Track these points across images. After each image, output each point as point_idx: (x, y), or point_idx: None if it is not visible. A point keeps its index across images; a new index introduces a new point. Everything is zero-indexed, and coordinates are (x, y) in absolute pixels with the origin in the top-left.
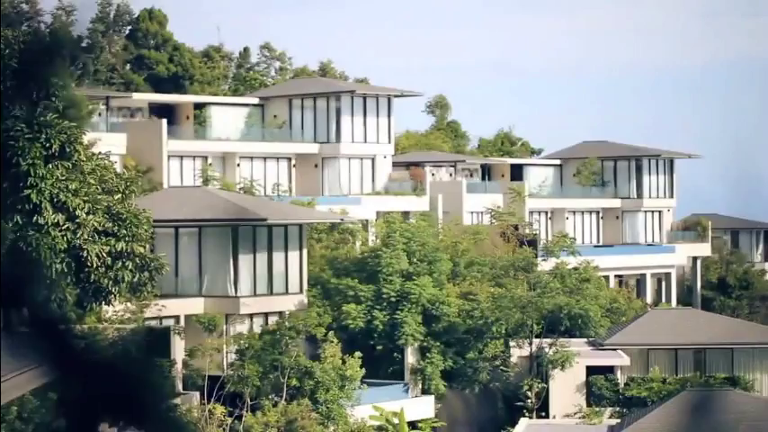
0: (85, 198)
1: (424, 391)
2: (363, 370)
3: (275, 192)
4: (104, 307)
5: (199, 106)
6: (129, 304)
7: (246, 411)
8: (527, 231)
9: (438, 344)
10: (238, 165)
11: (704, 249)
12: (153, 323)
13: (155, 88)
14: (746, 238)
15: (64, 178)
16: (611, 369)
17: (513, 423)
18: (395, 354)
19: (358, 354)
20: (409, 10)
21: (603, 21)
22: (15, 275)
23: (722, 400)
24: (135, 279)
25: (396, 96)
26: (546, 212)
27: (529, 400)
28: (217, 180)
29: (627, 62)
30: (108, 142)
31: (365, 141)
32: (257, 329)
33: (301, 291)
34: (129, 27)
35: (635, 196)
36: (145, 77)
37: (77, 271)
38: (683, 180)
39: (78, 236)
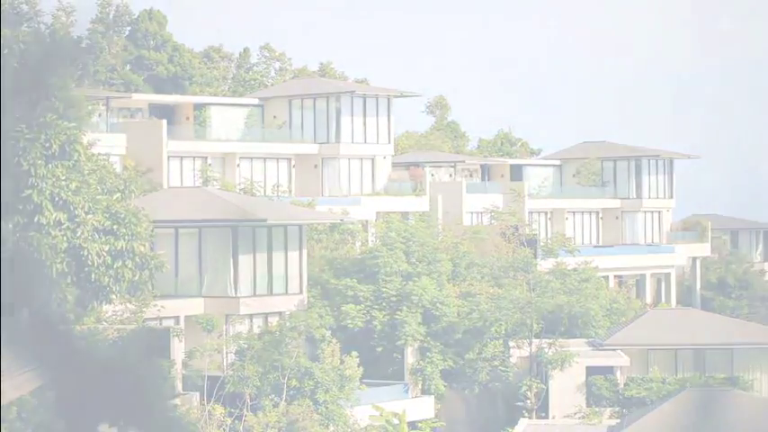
0: (85, 197)
1: (424, 392)
2: (361, 369)
3: (275, 192)
4: (104, 307)
5: (199, 107)
6: (128, 304)
7: (246, 412)
8: (527, 232)
9: (438, 344)
10: (238, 165)
11: (704, 250)
12: (153, 323)
13: (154, 89)
14: (746, 239)
15: (64, 178)
16: (610, 369)
17: (513, 423)
18: (395, 354)
19: (355, 353)
20: (409, 10)
21: (604, 21)
22: (16, 275)
23: (722, 400)
24: (135, 278)
25: (395, 97)
26: (546, 213)
27: (528, 401)
28: (217, 180)
29: (627, 62)
30: (108, 143)
31: (365, 142)
32: (257, 330)
33: (301, 291)
34: (129, 28)
35: (634, 196)
36: (144, 78)
37: (78, 270)
38: (683, 180)
39: (78, 235)
